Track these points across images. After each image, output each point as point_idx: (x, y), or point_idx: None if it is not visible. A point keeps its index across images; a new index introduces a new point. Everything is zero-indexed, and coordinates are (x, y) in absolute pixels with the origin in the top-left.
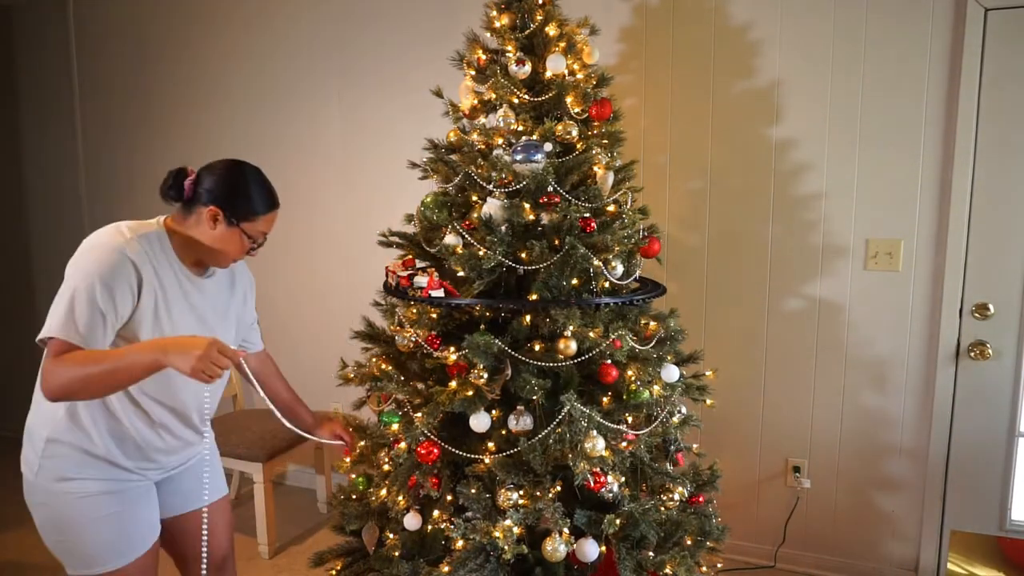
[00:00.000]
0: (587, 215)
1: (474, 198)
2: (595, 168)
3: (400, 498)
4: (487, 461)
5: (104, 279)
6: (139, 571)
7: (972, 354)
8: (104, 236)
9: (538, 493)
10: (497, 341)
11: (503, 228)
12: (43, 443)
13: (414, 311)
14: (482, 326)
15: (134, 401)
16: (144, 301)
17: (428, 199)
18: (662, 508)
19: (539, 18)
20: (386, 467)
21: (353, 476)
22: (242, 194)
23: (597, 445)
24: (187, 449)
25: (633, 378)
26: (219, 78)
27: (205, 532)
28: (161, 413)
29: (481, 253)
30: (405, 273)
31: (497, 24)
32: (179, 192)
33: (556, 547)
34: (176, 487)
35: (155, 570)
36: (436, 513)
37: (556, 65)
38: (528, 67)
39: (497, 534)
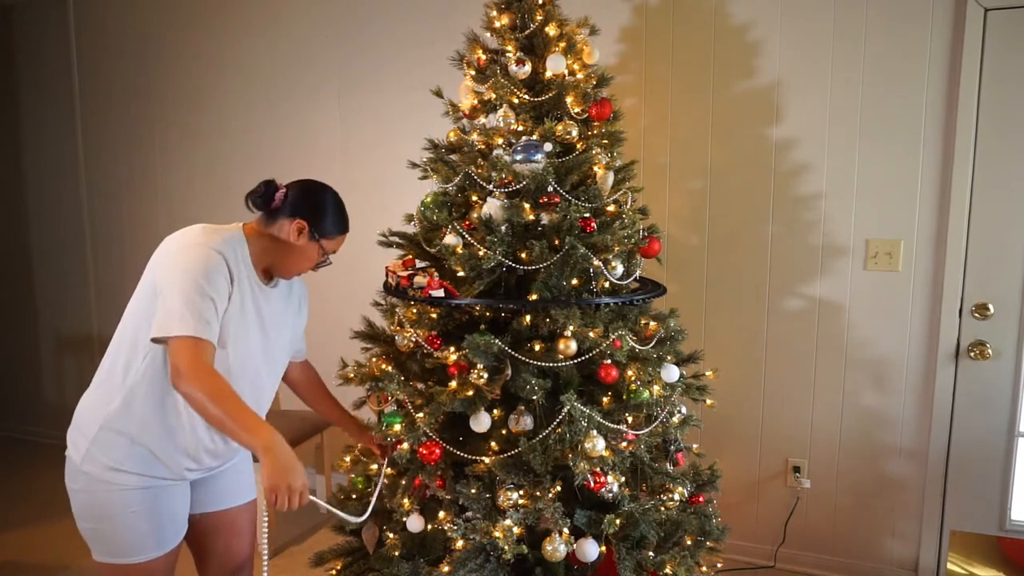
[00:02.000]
0: (587, 215)
1: (474, 198)
2: (595, 168)
3: (405, 500)
4: (487, 461)
5: (205, 273)
6: (163, 565)
7: (972, 354)
8: (191, 236)
9: (538, 493)
10: (497, 341)
11: (503, 228)
12: (96, 429)
13: (414, 311)
14: (482, 326)
15: None
16: (233, 296)
17: (428, 199)
18: (662, 508)
19: (539, 18)
20: (388, 470)
21: (353, 476)
22: (325, 213)
23: (597, 445)
24: (233, 454)
25: (633, 378)
26: (219, 78)
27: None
28: None
29: (481, 253)
30: (405, 273)
31: (497, 24)
32: (267, 202)
33: (556, 547)
34: (209, 486)
35: (175, 564)
36: (442, 514)
37: (556, 65)
38: (528, 67)
39: (497, 534)
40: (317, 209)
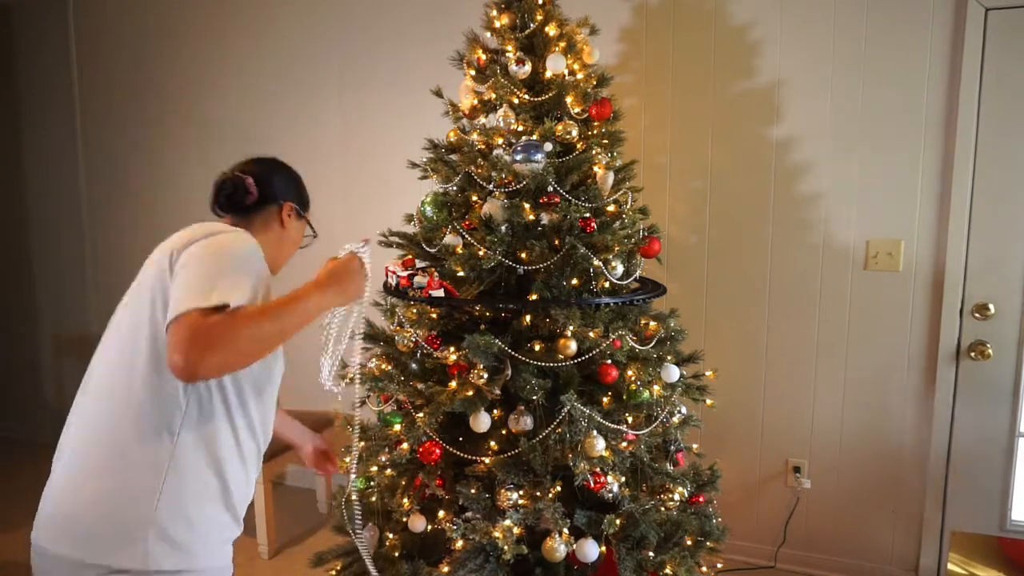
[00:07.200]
0: (587, 215)
1: (474, 198)
2: (595, 168)
3: (405, 500)
4: (487, 461)
5: (243, 253)
6: None
7: (972, 354)
8: (207, 228)
9: (538, 493)
10: (497, 341)
11: (503, 228)
12: (197, 520)
13: (414, 311)
14: (482, 326)
15: (252, 429)
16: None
17: (428, 199)
18: (662, 508)
19: (539, 18)
20: (388, 471)
21: (353, 477)
22: (301, 186)
23: (597, 445)
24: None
25: (633, 378)
26: (219, 78)
27: None
28: (254, 450)
29: (481, 253)
30: (405, 273)
31: (497, 24)
32: (243, 198)
33: (556, 547)
34: None
35: None
36: (442, 514)
37: (556, 65)
38: (528, 67)
39: (497, 534)
40: (295, 185)
